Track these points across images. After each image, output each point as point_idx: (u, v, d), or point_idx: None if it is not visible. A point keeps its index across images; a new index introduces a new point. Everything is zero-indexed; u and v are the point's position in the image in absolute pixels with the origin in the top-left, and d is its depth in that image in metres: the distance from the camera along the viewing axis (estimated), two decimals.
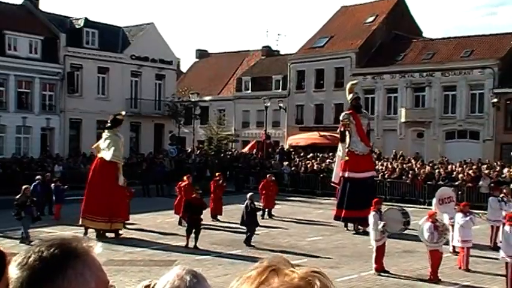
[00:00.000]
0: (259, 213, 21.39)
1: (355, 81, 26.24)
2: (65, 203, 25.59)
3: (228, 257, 17.74)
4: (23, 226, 19.36)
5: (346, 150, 23.30)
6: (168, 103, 47.15)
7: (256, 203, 21.11)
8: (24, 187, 20.04)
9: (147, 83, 47.01)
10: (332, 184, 25.83)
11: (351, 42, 51.62)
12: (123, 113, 24.60)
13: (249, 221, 19.54)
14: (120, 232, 21.27)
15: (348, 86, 25.23)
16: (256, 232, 19.90)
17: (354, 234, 21.87)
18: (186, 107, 47.74)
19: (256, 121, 55.37)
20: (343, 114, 24.53)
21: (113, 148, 21.11)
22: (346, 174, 23.06)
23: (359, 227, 22.21)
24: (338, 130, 25.12)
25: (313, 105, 52.80)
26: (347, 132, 23.46)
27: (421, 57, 47.78)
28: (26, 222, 19.35)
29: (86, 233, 20.13)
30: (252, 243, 19.24)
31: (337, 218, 23.27)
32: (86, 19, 44.96)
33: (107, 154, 21.05)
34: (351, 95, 24.15)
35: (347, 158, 23.30)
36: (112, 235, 20.91)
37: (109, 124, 22.39)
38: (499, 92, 42.21)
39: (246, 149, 49.44)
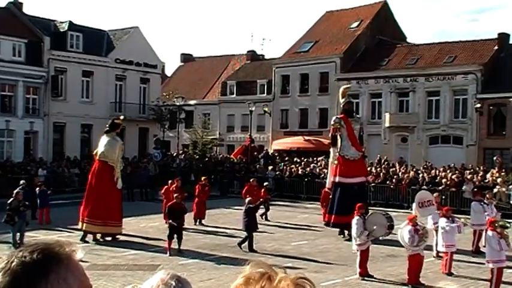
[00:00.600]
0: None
1: (348, 85, 26.14)
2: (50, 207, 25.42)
3: (212, 261, 17.70)
4: (13, 231, 19.02)
5: (337, 155, 23.11)
6: (153, 107, 47.01)
7: (241, 207, 21.10)
8: (16, 191, 19.83)
9: (131, 87, 46.85)
10: (327, 190, 25.19)
11: (336, 47, 51.83)
12: (122, 117, 25.01)
13: (248, 223, 19.40)
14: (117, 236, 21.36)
15: (340, 90, 24.94)
16: (244, 236, 19.84)
17: (345, 241, 21.32)
18: (170, 111, 47.64)
19: (241, 125, 55.40)
20: (334, 118, 24.39)
21: (107, 150, 21.47)
22: (337, 180, 22.78)
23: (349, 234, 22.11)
24: (329, 134, 24.96)
25: (297, 109, 52.91)
26: (338, 137, 23.19)
27: (405, 63, 48.07)
28: (21, 227, 19.13)
29: (94, 238, 20.76)
30: (237, 247, 19.19)
31: (327, 224, 22.99)
32: (70, 22, 44.74)
33: (101, 155, 21.53)
34: (343, 99, 23.92)
35: (336, 162, 23.26)
36: (108, 238, 21.05)
37: (107, 128, 22.64)
38: (482, 97, 42.55)
39: (232, 155, 49.40)
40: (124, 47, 46.30)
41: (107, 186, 21.13)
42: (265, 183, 28.35)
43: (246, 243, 19.27)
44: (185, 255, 18.25)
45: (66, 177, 37.19)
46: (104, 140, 22.03)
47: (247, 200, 20.14)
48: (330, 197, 23.38)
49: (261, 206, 23.00)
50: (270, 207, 27.37)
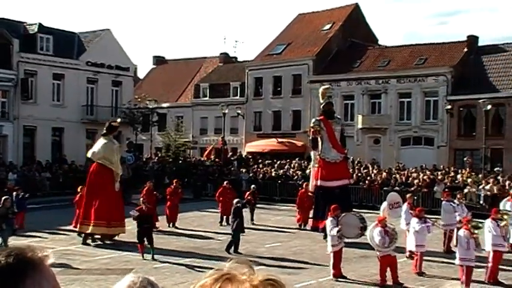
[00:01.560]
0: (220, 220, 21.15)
1: (327, 86, 25.61)
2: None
3: (186, 264, 17.63)
4: (2, 238, 18.72)
5: (318, 157, 22.77)
6: (125, 110, 46.67)
7: (214, 210, 21.08)
8: (4, 198, 19.57)
9: (103, 90, 46.45)
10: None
11: (308, 50, 52.06)
12: (118, 120, 25.71)
13: (237, 224, 19.32)
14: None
15: (320, 90, 24.65)
16: (219, 238, 19.81)
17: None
18: (143, 113, 47.36)
19: (214, 128, 55.31)
20: (313, 120, 24.07)
21: (103, 152, 21.85)
22: (318, 183, 22.40)
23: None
24: (309, 137, 24.61)
25: (271, 112, 53.00)
26: (319, 139, 22.81)
27: (377, 65, 48.48)
28: (6, 234, 18.81)
29: (93, 240, 21.01)
30: (211, 250, 19.13)
31: (314, 229, 22.51)
32: (40, 24, 44.20)
33: (97, 156, 21.94)
34: (323, 100, 23.59)
35: (316, 165, 23.00)
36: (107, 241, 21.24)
37: (104, 131, 23.01)
38: (453, 99, 43.09)
39: (204, 156, 49.27)
40: (95, 50, 45.90)
41: (108, 188, 21.39)
42: (252, 186, 28.10)
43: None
44: (159, 259, 18.14)
45: (37, 181, 36.74)
46: (101, 142, 22.36)
47: (235, 200, 20.10)
48: (314, 200, 23.19)
49: (246, 209, 22.93)
50: (245, 209, 27.33)
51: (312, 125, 23.47)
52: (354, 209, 26.32)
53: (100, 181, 21.45)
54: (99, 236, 21.36)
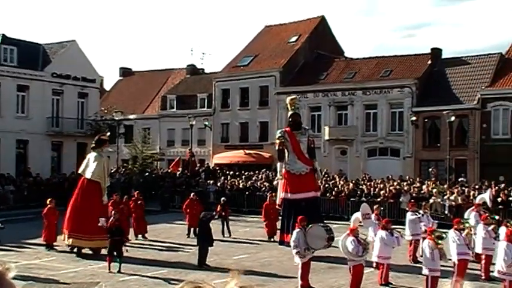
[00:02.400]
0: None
1: (293, 96, 24.82)
2: None
3: (153, 277, 17.50)
4: None
5: (283, 170, 22.41)
6: (91, 122, 46.23)
7: (182, 222, 20.94)
8: None
9: (69, 102, 45.91)
10: (278, 208, 24.74)
11: (275, 61, 52.32)
12: (108, 133, 25.98)
13: (201, 237, 19.12)
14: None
15: (287, 101, 24.18)
16: (186, 250, 19.64)
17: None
18: (109, 125, 46.94)
19: (182, 139, 55.10)
20: (278, 131, 23.81)
21: (93, 167, 21.87)
22: (284, 195, 21.99)
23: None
24: (276, 149, 24.17)
25: (238, 123, 53.04)
26: (286, 151, 22.48)
27: (343, 76, 48.92)
28: None
29: (79, 253, 20.98)
30: (179, 262, 18.98)
31: (281, 243, 22.02)
32: (4, 36, 43.58)
33: (88, 173, 21.97)
34: (290, 111, 23.20)
35: (280, 177, 22.74)
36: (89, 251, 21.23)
37: (93, 145, 23.23)
38: (417, 110, 43.67)
39: (170, 167, 49.00)
40: (61, 61, 45.37)
41: (94, 201, 21.52)
42: (222, 198, 27.65)
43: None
44: (126, 272, 17.97)
45: (1, 194, 36.08)
46: (92, 158, 22.39)
47: (202, 214, 19.91)
48: (281, 213, 22.90)
49: (214, 221, 22.68)
50: (213, 221, 27.20)
51: (276, 136, 23.18)
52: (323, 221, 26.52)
53: (87, 195, 21.71)
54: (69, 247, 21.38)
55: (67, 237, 21.30)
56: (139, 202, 25.77)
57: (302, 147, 22.14)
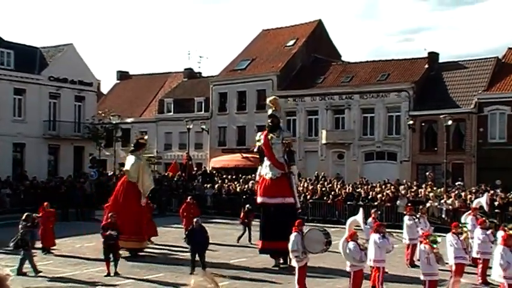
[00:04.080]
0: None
1: (271, 97, 23.71)
2: None
3: (150, 280, 17.47)
4: None
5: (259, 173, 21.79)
6: (88, 125, 46.16)
7: (179, 225, 20.87)
8: None
9: (66, 105, 45.87)
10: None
11: (272, 65, 52.36)
12: (146, 137, 26.96)
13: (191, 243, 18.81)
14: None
15: (267, 101, 23.54)
16: (183, 254, 19.46)
17: (274, 267, 19.91)
18: (106, 129, 46.89)
19: (179, 143, 55.08)
20: (257, 134, 23.11)
21: (130, 170, 22.75)
22: (259, 200, 21.25)
23: (280, 260, 20.22)
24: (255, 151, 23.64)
25: (235, 127, 53.05)
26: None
27: (340, 80, 48.99)
28: None
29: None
30: (175, 266, 18.93)
31: (260, 250, 21.10)
32: (0, 39, 43.54)
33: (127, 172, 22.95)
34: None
35: (257, 181, 22.35)
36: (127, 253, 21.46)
37: (132, 148, 24.32)
38: (414, 114, 43.73)
39: (168, 171, 48.94)
40: (58, 64, 45.34)
41: (132, 202, 22.16)
42: (247, 206, 26.61)
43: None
44: (122, 276, 17.93)
45: None
46: (130, 160, 23.22)
47: (194, 219, 19.52)
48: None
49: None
50: (210, 225, 27.15)
51: (256, 139, 22.43)
52: (318, 224, 26.44)
53: (126, 195, 22.37)
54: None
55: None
56: (149, 204, 25.63)
57: (275, 150, 20.96)
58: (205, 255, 18.75)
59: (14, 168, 42.05)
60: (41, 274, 18.14)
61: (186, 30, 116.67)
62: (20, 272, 17.86)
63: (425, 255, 14.28)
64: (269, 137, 21.15)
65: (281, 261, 20.23)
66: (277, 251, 19.82)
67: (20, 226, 18.89)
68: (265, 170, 21.03)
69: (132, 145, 24.81)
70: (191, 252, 18.74)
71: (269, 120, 21.87)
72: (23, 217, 19.07)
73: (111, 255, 18.28)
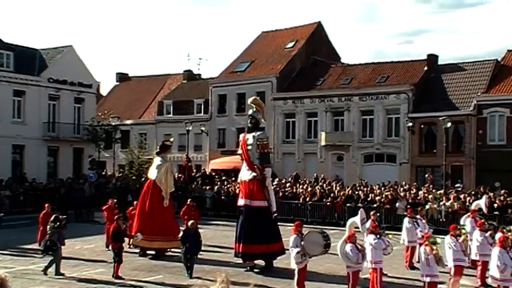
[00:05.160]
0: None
1: (252, 97, 23.09)
2: None
3: (150, 282, 17.48)
4: None
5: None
6: (88, 127, 46.18)
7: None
8: None
9: (65, 107, 45.90)
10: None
11: (272, 67, 52.40)
12: (172, 139, 27.34)
13: (185, 249, 18.57)
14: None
15: (248, 102, 22.70)
16: (179, 257, 19.44)
17: (245, 271, 19.44)
18: (106, 130, 46.91)
19: (178, 145, 55.04)
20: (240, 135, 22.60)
21: (156, 172, 23.15)
22: (238, 203, 20.92)
23: (253, 263, 19.85)
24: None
25: (234, 129, 52.99)
26: None
27: (340, 82, 49.01)
28: None
29: (144, 254, 22.00)
30: (175, 268, 18.92)
31: (235, 253, 20.46)
32: (0, 40, 43.59)
33: (152, 176, 23.26)
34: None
35: (238, 183, 22.14)
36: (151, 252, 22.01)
37: (158, 150, 24.87)
38: (414, 116, 43.75)
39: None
40: (57, 66, 45.37)
41: (157, 203, 22.56)
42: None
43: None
44: (122, 277, 17.93)
45: None
46: (156, 162, 23.74)
47: (189, 222, 19.36)
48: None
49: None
50: (209, 227, 27.20)
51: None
52: (317, 226, 26.43)
53: (152, 197, 22.73)
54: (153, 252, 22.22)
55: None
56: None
57: (251, 152, 20.47)
58: (194, 259, 18.68)
59: (13, 170, 42.07)
60: (38, 277, 18.14)
61: (185, 32, 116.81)
62: (58, 273, 18.23)
63: (425, 256, 14.31)
64: (246, 138, 20.74)
65: (266, 263, 20.00)
66: (253, 255, 19.71)
67: (48, 227, 19.12)
68: (242, 173, 20.81)
69: (158, 147, 25.29)
70: (184, 254, 18.61)
71: (248, 121, 21.39)
72: (51, 218, 19.26)
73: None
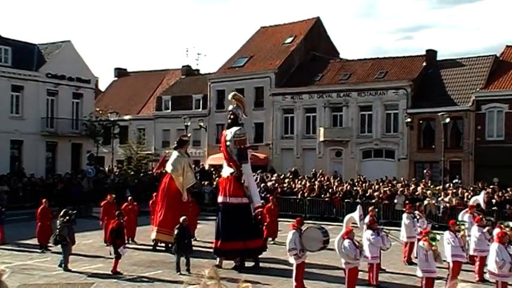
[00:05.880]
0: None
1: (233, 93, 22.96)
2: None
3: (148, 278, 17.47)
4: None
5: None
6: (86, 122, 46.13)
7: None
8: None
9: (64, 102, 45.81)
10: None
11: (270, 63, 52.34)
12: (189, 134, 28.16)
13: (177, 245, 18.43)
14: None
15: (229, 97, 22.66)
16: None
17: (232, 268, 19.16)
18: (104, 126, 46.86)
19: (177, 140, 54.96)
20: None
21: (171, 166, 23.42)
22: (218, 199, 20.68)
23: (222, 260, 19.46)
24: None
25: None
26: None
27: (338, 78, 48.97)
28: None
29: (155, 247, 22.58)
30: (172, 263, 18.90)
31: (214, 250, 20.03)
32: None
33: (169, 170, 23.50)
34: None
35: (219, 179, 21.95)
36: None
37: (175, 145, 25.03)
38: (412, 112, 43.74)
39: (155, 169, 48.81)
40: (56, 61, 45.27)
41: (176, 198, 22.88)
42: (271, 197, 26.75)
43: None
44: (120, 273, 17.93)
45: None
46: (174, 156, 24.02)
47: (181, 218, 18.98)
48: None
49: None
50: (208, 222, 27.20)
51: None
52: (316, 222, 26.45)
53: (169, 192, 23.01)
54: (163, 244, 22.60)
55: (155, 232, 22.56)
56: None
57: (229, 148, 20.30)
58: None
59: (11, 165, 42.03)
60: (37, 272, 18.13)
61: (184, 27, 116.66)
62: (66, 268, 18.32)
63: (424, 252, 14.31)
64: (225, 134, 20.61)
65: (255, 261, 19.79)
66: (233, 252, 19.36)
67: (57, 222, 19.18)
68: (223, 169, 20.75)
69: (176, 142, 25.49)
70: (181, 250, 18.38)
71: (228, 117, 21.27)
72: (61, 213, 19.33)
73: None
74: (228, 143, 20.22)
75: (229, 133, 20.39)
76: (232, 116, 20.92)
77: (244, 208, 19.59)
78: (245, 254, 19.47)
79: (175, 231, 18.61)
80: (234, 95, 21.89)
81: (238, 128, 20.52)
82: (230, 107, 21.34)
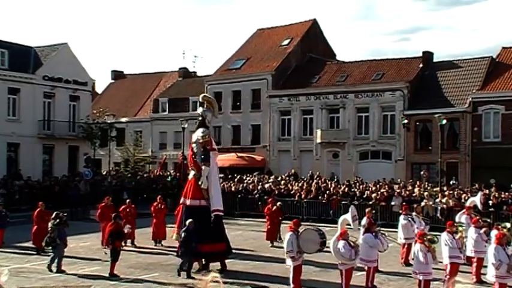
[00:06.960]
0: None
1: (203, 94, 23.03)
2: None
3: (145, 280, 17.45)
4: None
5: None
6: (83, 125, 46.07)
7: (173, 225, 20.81)
8: None
9: (60, 105, 45.76)
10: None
11: (267, 64, 52.37)
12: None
13: (184, 248, 18.37)
14: None
15: (200, 99, 22.37)
16: (174, 254, 19.42)
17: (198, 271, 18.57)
18: (101, 128, 46.81)
19: (174, 142, 55.00)
20: None
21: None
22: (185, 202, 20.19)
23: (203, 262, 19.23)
24: None
25: (230, 126, 53.02)
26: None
27: (335, 80, 49.02)
28: None
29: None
30: (170, 266, 18.89)
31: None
32: None
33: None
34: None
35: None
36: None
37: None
38: (409, 113, 43.78)
39: (156, 171, 48.91)
40: (52, 64, 45.21)
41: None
42: (278, 203, 26.64)
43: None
44: (116, 276, 17.89)
45: None
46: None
47: (188, 221, 18.66)
48: None
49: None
50: None
51: None
52: (313, 223, 26.43)
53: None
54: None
55: (176, 233, 21.62)
56: (161, 206, 25.60)
57: (195, 150, 20.12)
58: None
59: (8, 168, 41.96)
60: (33, 275, 18.09)
61: (180, 29, 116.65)
62: (59, 270, 18.32)
63: (423, 254, 14.29)
64: (193, 136, 20.60)
65: (221, 264, 19.42)
66: (198, 254, 18.89)
67: (49, 224, 19.12)
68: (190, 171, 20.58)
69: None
70: (190, 253, 18.22)
71: (198, 119, 21.12)
72: (52, 215, 19.29)
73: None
74: (193, 145, 20.15)
75: (194, 135, 20.42)
76: (200, 118, 20.82)
77: (202, 211, 19.36)
78: (206, 256, 19.05)
79: (182, 235, 18.49)
80: (204, 96, 21.95)
81: (203, 129, 20.33)
82: (200, 109, 21.12)
